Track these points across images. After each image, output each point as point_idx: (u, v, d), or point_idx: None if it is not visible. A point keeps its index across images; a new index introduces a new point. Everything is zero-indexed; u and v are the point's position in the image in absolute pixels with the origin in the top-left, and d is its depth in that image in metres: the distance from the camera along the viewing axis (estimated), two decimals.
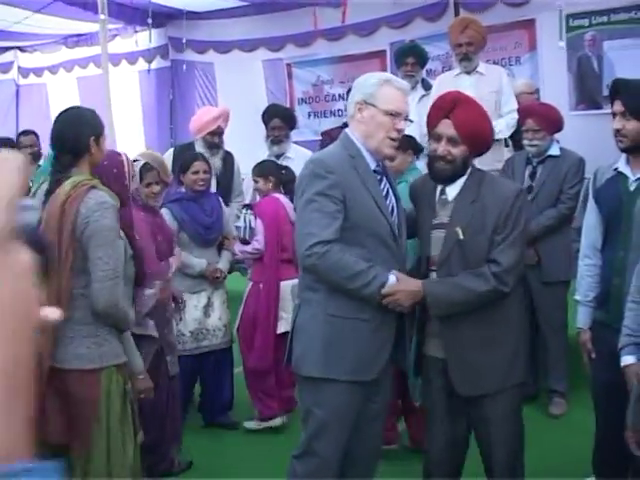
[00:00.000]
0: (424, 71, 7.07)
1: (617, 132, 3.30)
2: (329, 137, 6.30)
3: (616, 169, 3.43)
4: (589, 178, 3.79)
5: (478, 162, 5.86)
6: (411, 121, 3.21)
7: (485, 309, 3.04)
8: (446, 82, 6.23)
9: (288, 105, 9.26)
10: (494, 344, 3.10)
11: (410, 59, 6.60)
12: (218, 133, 5.96)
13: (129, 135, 9.98)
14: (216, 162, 5.89)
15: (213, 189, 5.60)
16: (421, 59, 6.73)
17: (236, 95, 9.43)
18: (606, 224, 3.42)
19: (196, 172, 5.04)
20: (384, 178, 3.10)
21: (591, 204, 3.55)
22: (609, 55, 7.52)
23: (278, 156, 5.99)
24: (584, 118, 7.39)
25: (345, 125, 6.36)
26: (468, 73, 6.22)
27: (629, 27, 7.40)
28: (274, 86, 9.47)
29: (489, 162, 5.78)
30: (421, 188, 3.32)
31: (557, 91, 7.54)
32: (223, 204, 5.27)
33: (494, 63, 7.88)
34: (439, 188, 3.20)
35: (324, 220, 2.85)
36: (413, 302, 3.02)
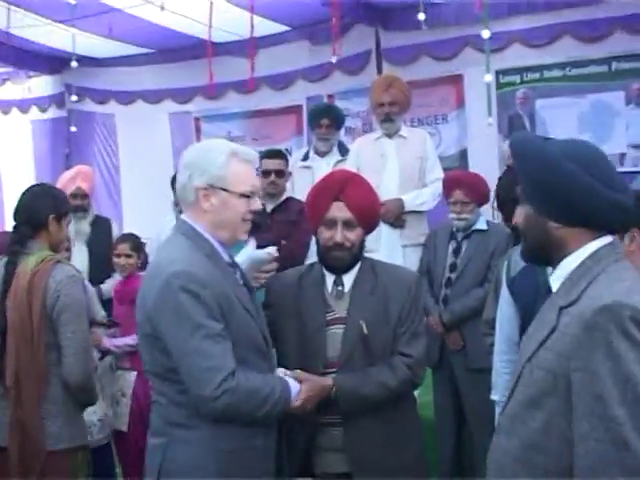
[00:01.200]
0: (342, 131, 6.91)
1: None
2: None
3: None
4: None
5: (400, 236, 5.81)
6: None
7: (393, 408, 2.95)
8: (365, 146, 5.94)
9: None
10: (403, 445, 2.98)
11: (325, 120, 6.26)
12: (80, 195, 5.69)
13: (18, 191, 9.27)
14: (83, 228, 5.66)
15: (84, 261, 5.38)
16: (337, 121, 6.42)
17: (139, 150, 9.25)
18: (523, 317, 3.24)
19: None
20: (237, 269, 2.80)
21: (505, 294, 3.44)
22: (541, 114, 7.44)
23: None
24: None
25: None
26: (389, 136, 5.85)
27: (562, 85, 7.34)
28: (181, 141, 9.19)
29: (413, 236, 5.60)
30: (293, 283, 3.07)
31: (486, 152, 7.43)
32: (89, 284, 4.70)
33: (419, 121, 7.82)
34: (331, 279, 3.02)
35: (218, 347, 2.51)
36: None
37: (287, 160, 5.51)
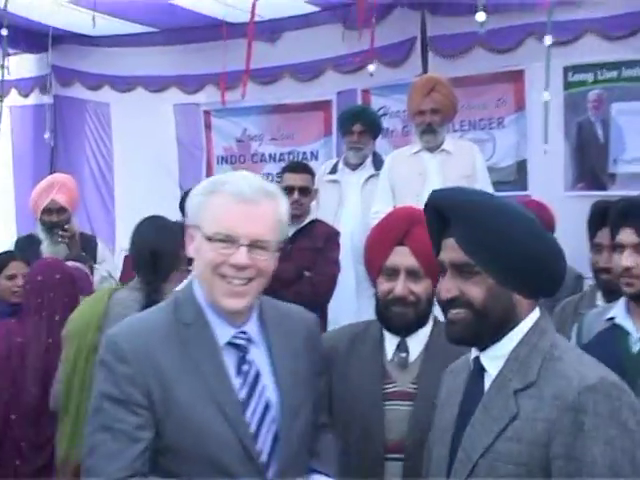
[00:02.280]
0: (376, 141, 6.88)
1: (625, 271, 3.13)
2: None
3: (611, 319, 3.26)
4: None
5: None
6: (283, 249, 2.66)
7: None
8: (400, 162, 6.04)
9: (204, 164, 9.15)
10: None
11: (357, 126, 6.38)
12: (55, 209, 5.78)
13: None
14: (60, 251, 5.69)
15: None
16: (372, 127, 6.52)
17: (137, 146, 9.26)
18: None
19: (12, 277, 4.94)
20: (250, 353, 2.53)
21: None
22: (618, 121, 7.35)
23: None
24: (583, 201, 6.96)
25: None
26: (431, 151, 5.98)
27: None
28: (187, 138, 9.31)
29: None
30: (343, 346, 2.98)
31: (550, 164, 7.38)
32: None
33: (470, 124, 7.80)
34: (392, 343, 2.90)
35: (114, 445, 2.36)
36: None
37: (314, 176, 5.58)
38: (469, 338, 2.22)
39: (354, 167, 6.39)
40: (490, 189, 5.85)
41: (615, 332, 3.21)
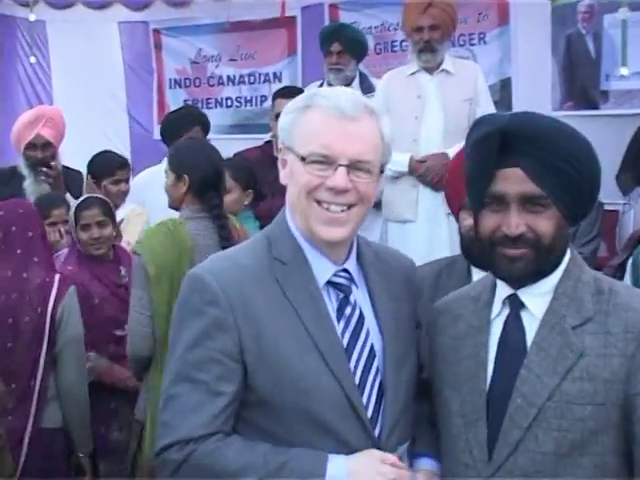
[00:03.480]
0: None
1: None
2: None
3: None
4: None
5: (444, 202, 5.40)
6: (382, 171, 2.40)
7: None
8: (396, 84, 5.67)
9: (155, 88, 8.76)
10: None
11: (335, 46, 6.06)
12: (40, 145, 5.70)
13: None
14: (43, 191, 5.59)
15: None
16: (353, 46, 6.16)
17: (78, 70, 8.67)
18: None
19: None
20: (352, 294, 2.34)
21: None
22: (610, 33, 6.93)
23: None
24: (572, 120, 6.57)
25: (268, 143, 5.78)
26: (429, 72, 5.59)
27: None
28: (135, 60, 8.87)
29: None
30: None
31: (536, 82, 7.11)
32: None
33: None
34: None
35: (193, 398, 2.22)
36: None
37: None
38: (531, 276, 2.13)
39: None
40: (494, 112, 5.45)
41: None
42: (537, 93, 7.07)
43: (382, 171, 2.31)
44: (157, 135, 8.36)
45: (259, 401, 2.23)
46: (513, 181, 2.09)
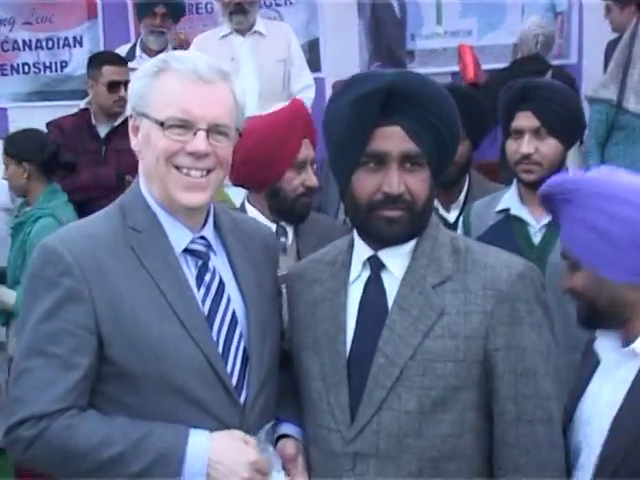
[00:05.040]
0: None
1: (525, 158, 3.14)
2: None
3: (505, 212, 3.25)
4: None
5: None
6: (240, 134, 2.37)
7: None
8: (209, 47, 5.44)
9: None
10: None
11: (160, 8, 5.90)
12: None
13: None
14: None
15: None
16: (176, 9, 6.09)
17: None
18: None
19: None
20: (210, 261, 2.32)
21: None
22: None
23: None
24: None
25: (86, 110, 5.55)
26: (242, 34, 5.50)
27: None
28: None
29: None
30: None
31: (344, 43, 7.15)
32: None
33: None
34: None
35: (46, 372, 2.15)
36: None
37: None
38: (405, 238, 2.13)
39: (153, 54, 5.72)
40: (307, 71, 5.74)
41: (512, 223, 3.22)
42: (345, 53, 7.09)
43: (240, 135, 2.30)
44: None
45: (117, 373, 2.16)
46: (394, 139, 2.06)
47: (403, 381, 2.05)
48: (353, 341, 2.15)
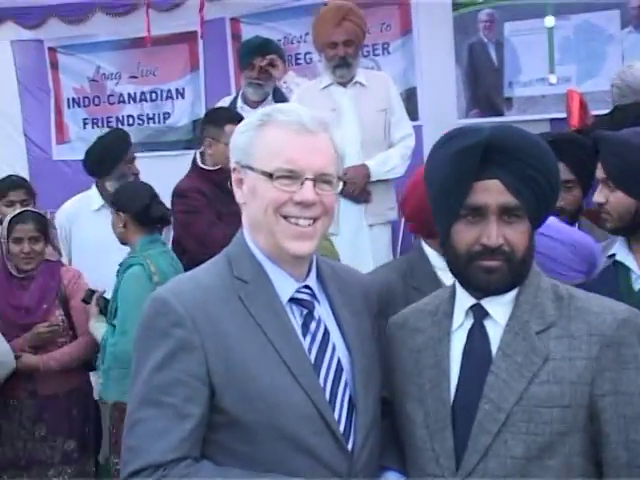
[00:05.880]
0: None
1: (600, 207, 3.21)
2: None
3: (612, 257, 3.22)
4: None
5: (365, 213, 5.31)
6: (344, 183, 2.43)
7: None
8: (312, 98, 5.52)
9: (53, 108, 8.41)
10: None
11: (259, 60, 5.97)
12: None
13: None
14: None
15: None
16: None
17: None
18: None
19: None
20: (315, 310, 2.34)
21: None
22: (512, 41, 7.03)
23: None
24: None
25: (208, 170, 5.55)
26: (342, 84, 5.53)
27: (538, 3, 6.74)
28: (30, 79, 8.52)
29: (380, 212, 5.42)
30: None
31: (441, 91, 7.13)
32: None
33: None
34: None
35: (160, 422, 2.16)
36: None
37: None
38: (504, 288, 2.16)
39: (255, 105, 5.86)
40: (407, 120, 5.71)
41: (617, 269, 3.19)
42: (442, 102, 7.07)
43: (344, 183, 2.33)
44: (56, 156, 8.17)
45: (229, 422, 2.17)
46: (493, 192, 2.10)
47: (509, 427, 2.05)
48: (457, 388, 2.16)
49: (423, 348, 2.26)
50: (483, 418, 2.08)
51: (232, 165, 2.34)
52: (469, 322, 2.20)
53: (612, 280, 3.14)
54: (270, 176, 2.19)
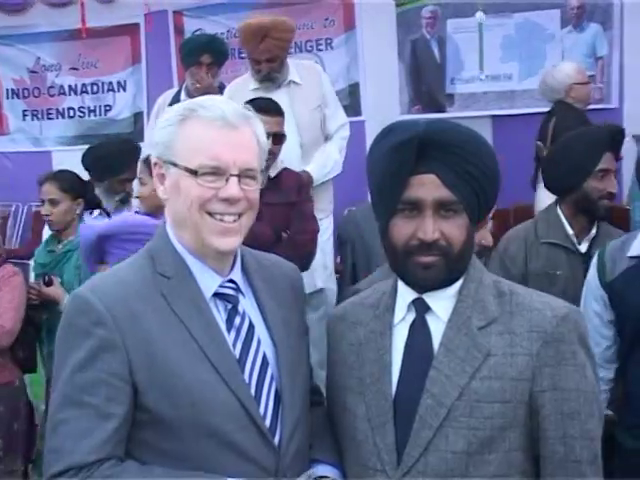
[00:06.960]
0: None
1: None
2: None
3: (636, 258, 3.26)
4: None
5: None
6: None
7: None
8: (244, 99, 5.23)
9: None
10: None
11: (206, 57, 5.81)
12: None
13: None
14: None
15: None
16: (220, 58, 5.99)
17: None
18: (633, 334, 3.27)
19: None
20: (240, 304, 2.32)
21: (598, 299, 3.41)
22: (454, 38, 7.11)
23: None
24: None
25: None
26: (278, 86, 5.38)
27: (481, 1, 6.75)
28: None
29: (323, 207, 5.28)
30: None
31: (384, 86, 7.17)
32: None
33: (296, 46, 7.23)
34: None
35: (82, 422, 2.13)
36: None
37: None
38: (441, 283, 2.15)
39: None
40: (340, 109, 5.59)
41: None
42: (385, 97, 7.11)
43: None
44: None
45: (154, 420, 2.14)
46: (429, 187, 2.09)
47: (450, 421, 2.07)
48: (399, 383, 2.16)
49: (364, 341, 2.26)
50: (425, 413, 2.08)
51: (153, 160, 2.30)
52: (411, 316, 2.20)
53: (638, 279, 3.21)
54: (194, 173, 2.16)
